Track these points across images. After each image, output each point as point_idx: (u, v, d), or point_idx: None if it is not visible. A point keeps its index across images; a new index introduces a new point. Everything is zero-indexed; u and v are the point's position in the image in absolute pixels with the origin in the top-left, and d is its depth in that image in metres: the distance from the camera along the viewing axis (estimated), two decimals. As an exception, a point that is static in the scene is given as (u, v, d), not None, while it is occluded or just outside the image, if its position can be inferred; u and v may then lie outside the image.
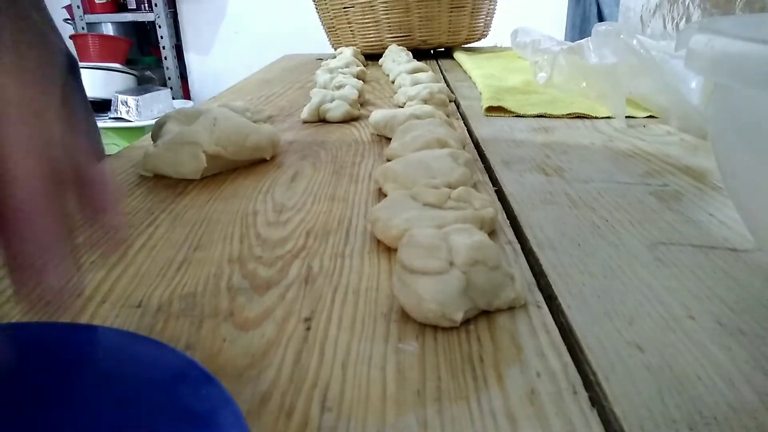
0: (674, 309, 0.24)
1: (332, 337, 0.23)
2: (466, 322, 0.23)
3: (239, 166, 0.45)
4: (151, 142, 0.46)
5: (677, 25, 0.67)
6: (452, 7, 1.13)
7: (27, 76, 0.22)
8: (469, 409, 0.19)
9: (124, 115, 1.97)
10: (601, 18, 1.70)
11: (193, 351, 0.22)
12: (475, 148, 0.51)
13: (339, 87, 0.68)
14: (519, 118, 0.61)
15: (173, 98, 2.31)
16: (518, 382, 0.20)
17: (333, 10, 1.18)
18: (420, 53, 1.17)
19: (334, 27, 1.21)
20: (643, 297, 0.25)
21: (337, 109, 0.60)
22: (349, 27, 1.17)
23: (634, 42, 0.58)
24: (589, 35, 0.65)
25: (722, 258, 0.29)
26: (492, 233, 0.32)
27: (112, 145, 1.86)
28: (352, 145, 0.52)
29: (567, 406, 0.19)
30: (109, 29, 2.64)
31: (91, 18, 2.46)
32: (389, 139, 0.49)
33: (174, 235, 0.33)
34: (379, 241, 0.31)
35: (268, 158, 0.46)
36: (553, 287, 0.26)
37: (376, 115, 0.54)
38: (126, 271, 0.29)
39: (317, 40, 1.38)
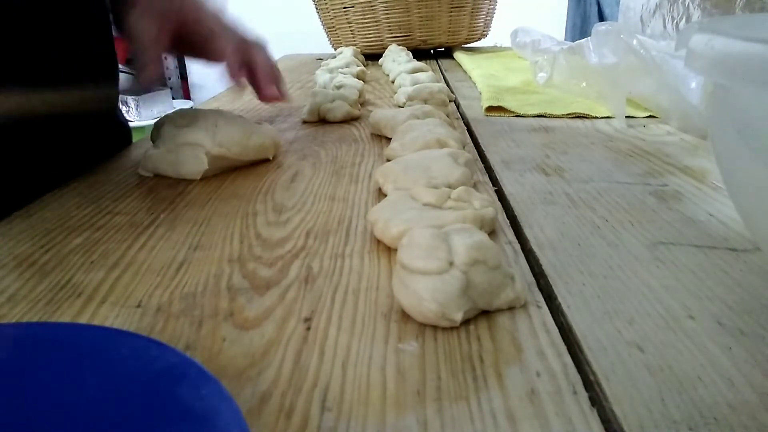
0: (674, 309, 0.24)
1: (332, 337, 0.23)
2: (466, 322, 0.23)
3: (240, 166, 0.45)
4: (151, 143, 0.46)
5: (677, 25, 0.67)
6: (452, 7, 1.13)
7: None
8: (469, 409, 0.19)
9: (124, 115, 1.97)
10: (601, 18, 1.70)
11: (193, 351, 0.22)
12: (475, 148, 0.51)
13: (339, 87, 0.68)
14: (519, 118, 0.61)
15: (173, 98, 2.31)
16: (518, 382, 0.20)
17: (333, 10, 1.18)
18: (420, 53, 1.17)
19: (334, 27, 1.21)
20: (643, 297, 0.25)
21: (337, 109, 0.60)
22: (349, 27, 1.17)
23: (634, 42, 0.58)
24: (589, 35, 0.65)
25: (722, 258, 0.29)
26: (492, 233, 0.32)
27: (112, 145, 1.86)
28: (352, 145, 0.52)
29: (567, 406, 0.19)
30: (109, 29, 2.63)
31: (91, 18, 2.46)
32: (389, 139, 0.49)
33: (174, 235, 0.33)
34: (379, 241, 0.31)
35: (270, 158, 0.46)
36: (553, 287, 0.26)
37: (376, 115, 0.54)
38: (126, 271, 0.29)
39: (317, 40, 1.38)
